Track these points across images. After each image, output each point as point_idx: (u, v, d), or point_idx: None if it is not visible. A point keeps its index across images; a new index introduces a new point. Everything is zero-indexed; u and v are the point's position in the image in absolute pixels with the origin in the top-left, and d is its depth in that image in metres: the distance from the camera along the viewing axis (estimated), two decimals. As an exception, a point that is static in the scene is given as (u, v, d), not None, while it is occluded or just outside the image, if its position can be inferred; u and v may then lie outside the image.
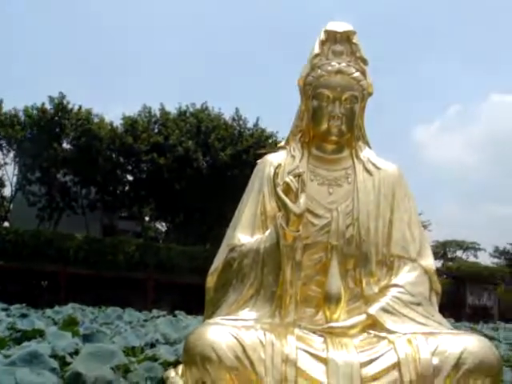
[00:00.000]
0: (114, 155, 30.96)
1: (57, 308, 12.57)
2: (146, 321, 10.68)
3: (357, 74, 2.90)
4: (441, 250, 53.83)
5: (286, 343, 2.32)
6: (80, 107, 30.74)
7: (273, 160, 3.00)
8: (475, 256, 52.10)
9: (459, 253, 53.46)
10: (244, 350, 2.25)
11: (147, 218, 38.51)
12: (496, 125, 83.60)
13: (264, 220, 2.83)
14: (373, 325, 2.56)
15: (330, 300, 2.60)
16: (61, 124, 29.80)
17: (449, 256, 53.53)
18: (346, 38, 2.96)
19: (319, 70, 2.91)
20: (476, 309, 37.35)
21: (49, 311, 11.48)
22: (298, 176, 2.64)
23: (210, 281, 2.87)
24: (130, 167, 32.14)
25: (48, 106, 30.10)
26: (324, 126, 2.88)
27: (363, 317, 2.58)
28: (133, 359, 4.94)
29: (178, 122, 31.68)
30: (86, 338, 5.59)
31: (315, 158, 2.98)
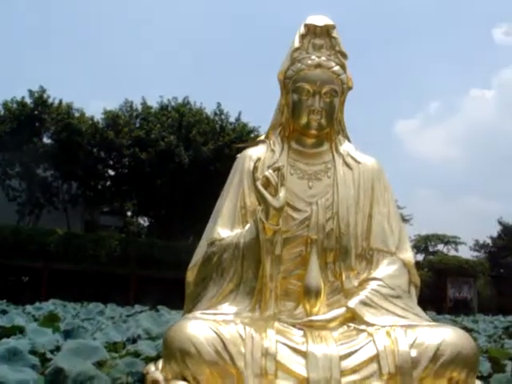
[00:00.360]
0: (95, 150, 30.73)
1: (38, 304, 12.47)
2: (128, 316, 10.66)
3: (336, 68, 2.91)
4: (422, 243, 54.25)
5: (266, 337, 2.32)
6: (60, 101, 30.43)
7: (252, 154, 2.99)
8: (456, 250, 52.60)
9: (440, 246, 53.95)
10: (224, 344, 2.25)
11: (129, 213, 38.32)
12: (476, 120, 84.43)
13: (244, 214, 2.82)
14: (352, 318, 2.57)
15: (309, 293, 2.60)
16: (41, 118, 29.46)
17: (430, 250, 53.97)
18: (326, 31, 2.96)
19: (299, 64, 2.90)
20: (457, 302, 37.75)
21: (29, 307, 11.40)
22: (278, 170, 2.64)
23: (190, 275, 2.86)
24: (111, 162, 31.95)
25: (28, 100, 29.76)
26: (304, 120, 2.88)
27: (343, 310, 2.59)
28: (114, 355, 4.93)
29: (159, 116, 31.54)
30: (67, 334, 5.57)
31: (295, 152, 2.98)
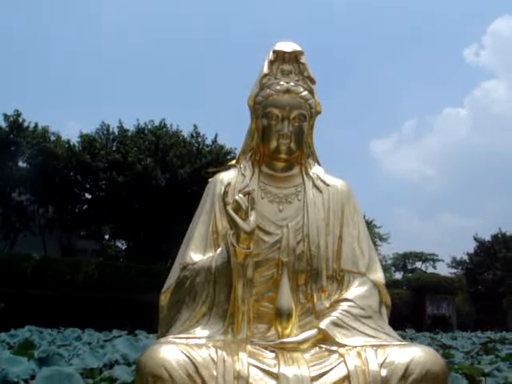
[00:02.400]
0: (71, 173, 30.54)
1: (13, 331, 12.24)
2: (105, 341, 10.54)
3: (305, 93, 2.97)
4: (400, 262, 54.67)
5: (238, 360, 2.32)
6: (36, 125, 30.29)
7: (223, 178, 3.03)
8: (434, 267, 53.08)
9: (418, 264, 54.39)
10: (196, 368, 2.24)
11: (107, 237, 37.99)
12: (450, 137, 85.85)
13: (216, 238, 2.85)
14: (324, 339, 2.59)
15: (281, 316, 2.62)
16: (16, 142, 29.24)
17: (408, 267, 54.37)
18: (294, 57, 3.03)
19: (268, 90, 2.96)
20: (435, 318, 37.95)
21: (4, 335, 11.17)
22: (248, 194, 2.68)
23: (163, 299, 2.87)
24: (88, 185, 31.76)
25: (3, 124, 29.55)
26: (273, 145, 2.94)
27: (314, 331, 2.61)
28: (90, 381, 4.88)
29: (136, 139, 31.51)
30: (42, 362, 5.49)
31: (266, 176, 3.03)
